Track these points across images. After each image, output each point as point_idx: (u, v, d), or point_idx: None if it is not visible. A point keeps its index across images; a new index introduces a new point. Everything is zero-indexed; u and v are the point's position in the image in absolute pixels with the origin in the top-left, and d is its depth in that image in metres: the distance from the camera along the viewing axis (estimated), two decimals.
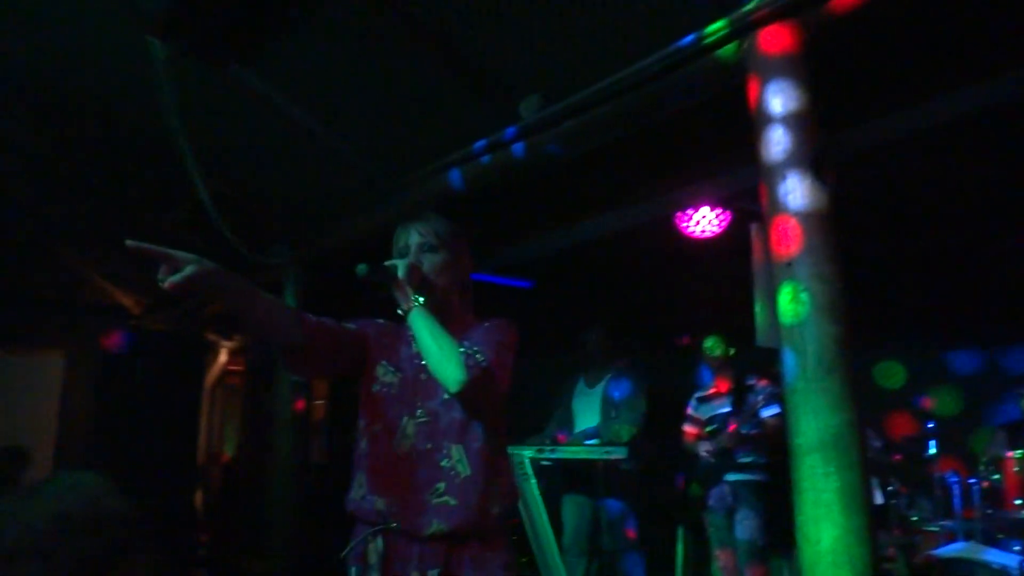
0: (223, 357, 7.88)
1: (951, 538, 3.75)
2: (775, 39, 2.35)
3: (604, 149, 3.16)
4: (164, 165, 3.70)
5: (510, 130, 3.21)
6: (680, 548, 5.09)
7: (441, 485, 1.71)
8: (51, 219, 5.20)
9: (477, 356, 1.65)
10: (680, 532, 5.10)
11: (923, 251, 4.76)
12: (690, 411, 4.79)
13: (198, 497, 6.97)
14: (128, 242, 1.44)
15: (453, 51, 3.11)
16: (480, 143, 3.36)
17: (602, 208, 4.29)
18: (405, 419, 1.79)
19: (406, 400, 1.81)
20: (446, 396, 1.73)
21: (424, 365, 1.76)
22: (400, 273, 1.75)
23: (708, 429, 4.58)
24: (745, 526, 4.27)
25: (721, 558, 4.51)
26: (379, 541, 1.72)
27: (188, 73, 3.21)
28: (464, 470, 1.72)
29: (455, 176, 3.54)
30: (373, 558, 1.72)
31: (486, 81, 3.21)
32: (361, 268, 1.71)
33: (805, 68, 2.32)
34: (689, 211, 4.24)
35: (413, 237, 1.89)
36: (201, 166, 3.30)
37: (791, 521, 2.16)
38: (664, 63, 2.64)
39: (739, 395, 4.44)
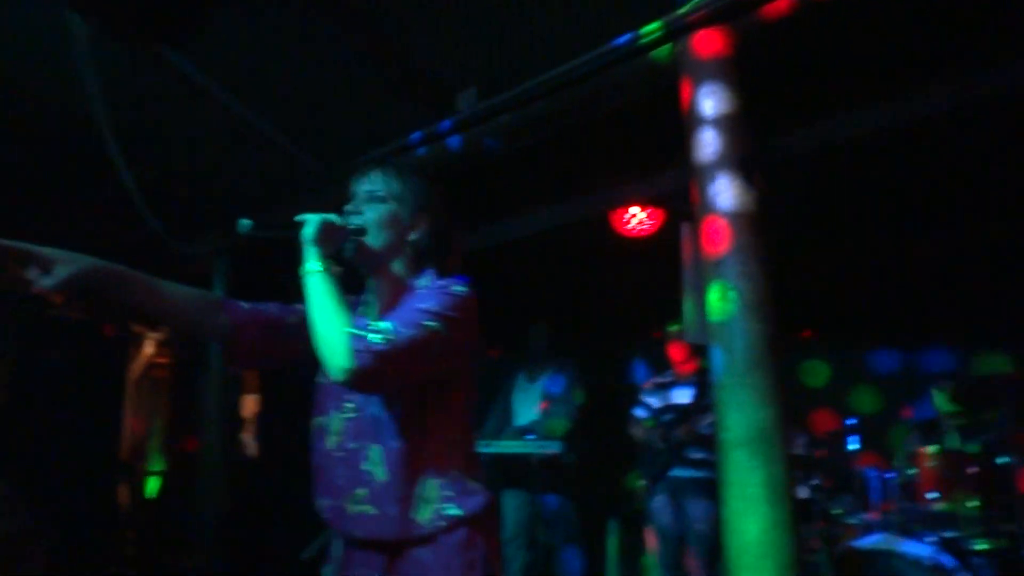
0: (149, 349, 7.61)
1: (869, 530, 3.88)
2: (708, 43, 2.39)
3: (541, 145, 3.16)
4: (86, 149, 3.54)
5: (446, 123, 3.18)
6: (613, 541, 5.14)
7: (362, 491, 1.50)
8: None
9: (370, 337, 1.33)
10: (613, 525, 5.15)
11: (846, 254, 4.92)
12: (643, 397, 4.58)
13: (122, 494, 6.72)
14: None
15: (390, 42, 3.06)
16: (416, 135, 3.33)
17: (538, 204, 4.30)
18: (333, 413, 1.58)
19: (336, 390, 1.58)
20: None
21: None
22: (308, 230, 1.47)
23: (662, 419, 4.34)
24: (699, 521, 4.09)
25: (664, 555, 4.30)
26: (339, 544, 1.58)
27: (112, 52, 3.08)
28: (381, 475, 1.48)
29: None
30: (333, 561, 1.58)
31: (423, 73, 3.18)
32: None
33: (736, 72, 2.37)
34: (625, 208, 4.26)
35: (363, 185, 1.64)
36: (125, 151, 3.17)
37: None
38: (600, 61, 2.67)
39: (701, 387, 4.23)
